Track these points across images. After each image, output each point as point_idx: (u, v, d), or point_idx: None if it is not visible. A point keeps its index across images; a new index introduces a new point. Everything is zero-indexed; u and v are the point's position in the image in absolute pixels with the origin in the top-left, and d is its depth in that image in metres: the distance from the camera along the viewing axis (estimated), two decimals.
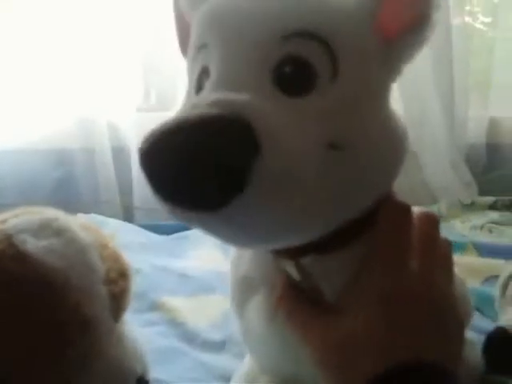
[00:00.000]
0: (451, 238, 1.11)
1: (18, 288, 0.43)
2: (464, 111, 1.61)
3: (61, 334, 0.44)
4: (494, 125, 1.70)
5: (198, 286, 0.97)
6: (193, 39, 0.43)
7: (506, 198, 1.45)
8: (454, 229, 1.29)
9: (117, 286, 0.51)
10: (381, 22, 0.40)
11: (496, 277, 0.93)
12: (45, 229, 0.48)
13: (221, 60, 0.38)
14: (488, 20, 1.83)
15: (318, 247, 0.43)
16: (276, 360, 0.49)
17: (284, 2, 0.38)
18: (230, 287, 0.52)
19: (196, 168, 0.33)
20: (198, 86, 0.41)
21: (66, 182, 1.49)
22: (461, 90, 1.59)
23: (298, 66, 0.37)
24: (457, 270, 0.94)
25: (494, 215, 1.37)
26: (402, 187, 1.52)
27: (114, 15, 1.43)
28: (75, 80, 1.45)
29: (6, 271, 0.43)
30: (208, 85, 0.38)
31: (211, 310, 0.88)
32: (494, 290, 0.81)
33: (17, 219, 0.48)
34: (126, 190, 1.51)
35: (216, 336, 0.80)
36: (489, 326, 0.75)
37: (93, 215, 1.31)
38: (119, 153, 1.50)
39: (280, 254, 0.45)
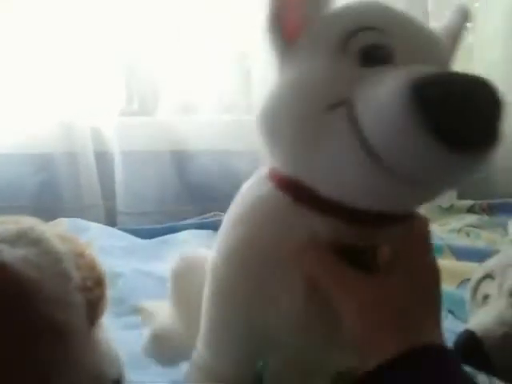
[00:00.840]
0: None
1: None
2: None
3: (35, 343, 0.45)
4: None
5: None
6: (349, 17, 0.49)
7: (484, 201, 1.47)
8: (433, 232, 1.31)
9: (93, 293, 0.52)
10: None
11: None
12: (21, 238, 0.49)
13: (414, 47, 0.47)
14: (468, 25, 1.86)
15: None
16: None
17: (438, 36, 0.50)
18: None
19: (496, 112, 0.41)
20: (368, 54, 0.47)
21: (48, 186, 1.49)
22: None
23: None
24: None
25: (472, 218, 1.40)
26: None
27: (96, 21, 1.44)
28: (58, 85, 1.47)
29: None
30: (401, 61, 0.46)
31: None
32: (466, 293, 0.83)
33: None
34: (108, 194, 1.53)
35: None
36: (461, 328, 0.77)
37: (75, 219, 1.33)
38: (102, 157, 1.52)
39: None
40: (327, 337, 0.52)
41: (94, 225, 1.31)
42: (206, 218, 1.44)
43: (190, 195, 1.57)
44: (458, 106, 0.39)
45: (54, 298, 0.48)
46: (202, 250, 0.67)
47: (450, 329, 0.76)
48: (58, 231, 0.54)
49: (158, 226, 1.39)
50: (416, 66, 0.44)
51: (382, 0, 0.51)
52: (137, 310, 0.91)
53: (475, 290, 0.76)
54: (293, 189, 0.50)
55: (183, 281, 0.60)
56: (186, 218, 1.46)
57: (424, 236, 0.53)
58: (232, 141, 1.56)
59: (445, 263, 1.05)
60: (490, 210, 1.46)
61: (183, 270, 0.62)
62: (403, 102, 0.40)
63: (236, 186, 0.56)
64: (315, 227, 0.49)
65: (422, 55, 0.47)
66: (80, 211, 1.47)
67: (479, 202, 1.48)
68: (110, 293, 0.95)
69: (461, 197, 1.57)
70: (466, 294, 0.82)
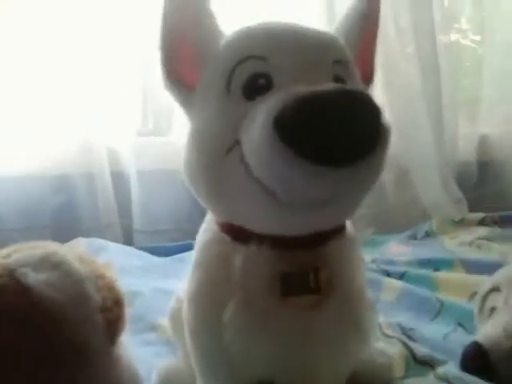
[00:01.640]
0: (438, 254, 1.16)
1: (19, 320, 0.47)
2: (454, 129, 1.66)
3: (58, 364, 0.48)
4: (484, 142, 1.74)
5: None
6: (229, 53, 0.53)
7: (496, 213, 1.48)
8: (443, 245, 1.33)
9: (112, 313, 0.55)
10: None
11: None
12: (44, 262, 0.52)
13: (293, 69, 0.50)
14: (477, 38, 1.88)
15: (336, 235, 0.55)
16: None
17: (328, 40, 0.54)
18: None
19: (365, 125, 0.44)
20: (248, 86, 0.50)
21: (67, 207, 1.52)
22: (450, 108, 1.63)
23: (341, 81, 0.53)
24: (446, 285, 0.99)
25: (483, 231, 1.41)
26: (395, 205, 1.57)
27: (113, 42, 1.48)
28: (75, 106, 1.50)
29: (8, 304, 0.47)
30: (281, 84, 0.49)
31: None
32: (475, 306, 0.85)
33: (18, 254, 0.52)
34: (125, 213, 1.56)
35: None
36: (468, 339, 0.79)
37: (93, 239, 1.36)
38: (118, 177, 1.55)
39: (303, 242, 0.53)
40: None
41: (111, 244, 1.34)
42: None
43: (204, 213, 1.59)
44: (315, 127, 0.43)
45: (76, 319, 0.51)
46: None
47: (461, 341, 0.79)
48: (79, 253, 0.57)
49: (174, 243, 1.42)
50: (293, 87, 0.46)
51: (268, 24, 0.54)
52: (154, 328, 0.93)
53: (483, 302, 0.78)
54: (229, 229, 0.55)
55: (180, 321, 0.63)
56: None
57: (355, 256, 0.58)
58: None
59: (455, 276, 1.07)
60: (502, 222, 1.47)
61: (179, 312, 0.65)
62: (267, 137, 0.44)
63: None
64: (254, 261, 0.52)
65: (305, 76, 0.49)
66: (98, 230, 1.50)
67: (490, 214, 1.49)
68: (129, 311, 0.99)
69: (472, 210, 1.58)
70: (475, 306, 0.84)
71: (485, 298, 0.78)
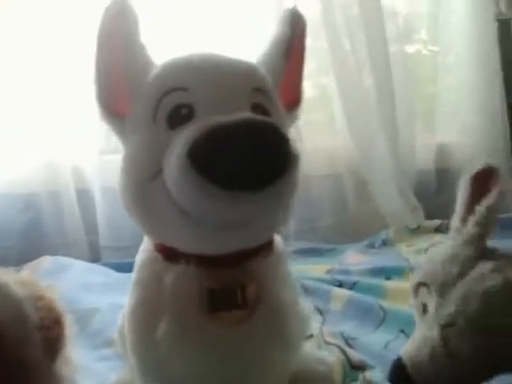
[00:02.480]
0: (392, 263, 1.19)
1: None
2: (411, 138, 1.70)
3: (2, 377, 0.51)
4: (442, 150, 1.78)
5: None
6: (156, 85, 0.57)
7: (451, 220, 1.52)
8: (399, 253, 1.36)
9: (51, 331, 0.57)
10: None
11: None
12: None
13: (212, 98, 0.54)
14: (436, 48, 1.93)
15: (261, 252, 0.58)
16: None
17: (246, 69, 0.58)
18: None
19: (271, 152, 0.48)
20: (172, 117, 0.54)
21: (33, 226, 1.55)
22: (407, 118, 1.68)
23: (261, 108, 0.56)
24: (394, 293, 1.02)
25: (439, 238, 1.44)
26: (356, 215, 1.60)
27: (74, 61, 1.50)
28: (39, 125, 1.53)
29: None
30: (201, 113, 0.53)
31: None
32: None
33: None
34: (91, 230, 1.58)
35: None
36: None
37: (58, 257, 1.38)
38: (83, 194, 1.57)
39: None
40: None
41: (76, 262, 1.36)
42: None
43: None
44: (224, 155, 0.47)
45: (16, 338, 0.54)
46: None
47: (401, 348, 0.82)
48: (20, 277, 0.60)
49: None
50: (210, 118, 0.50)
51: (191, 56, 0.58)
52: (111, 343, 0.96)
53: (415, 294, 0.77)
54: (162, 249, 0.59)
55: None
56: None
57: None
58: None
59: (404, 285, 1.10)
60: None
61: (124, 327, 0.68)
62: (181, 165, 0.48)
63: None
64: (182, 279, 0.57)
65: (223, 104, 0.54)
66: (65, 247, 1.53)
67: (446, 221, 1.53)
68: (87, 327, 1.01)
69: (432, 217, 1.62)
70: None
71: (416, 290, 0.76)
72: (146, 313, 0.60)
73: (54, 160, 1.54)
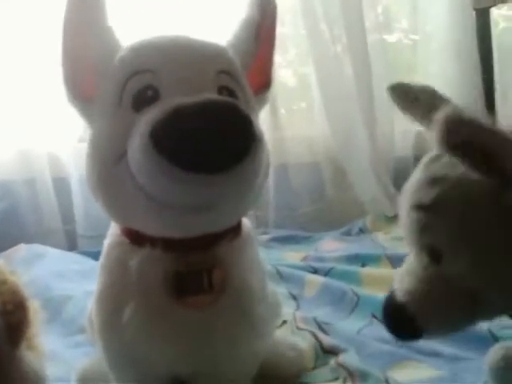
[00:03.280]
0: (367, 250, 1.19)
1: None
2: (390, 126, 1.70)
3: None
4: (420, 138, 1.79)
5: None
6: (121, 67, 0.56)
7: None
8: (375, 241, 1.36)
9: (14, 316, 0.57)
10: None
11: None
12: None
13: (176, 80, 0.53)
14: (416, 37, 1.93)
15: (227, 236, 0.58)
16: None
17: (212, 51, 0.58)
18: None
19: (233, 133, 0.48)
20: (138, 99, 0.54)
21: (9, 213, 1.53)
22: (385, 106, 1.67)
23: (227, 90, 0.56)
24: (369, 279, 1.03)
25: None
26: (334, 203, 1.60)
27: (53, 46, 1.48)
28: (15, 112, 1.51)
29: None
30: (166, 95, 0.52)
31: None
32: None
33: None
34: (68, 218, 1.57)
35: None
36: (381, 331, 0.83)
37: (33, 245, 1.37)
38: (60, 182, 1.56)
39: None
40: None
41: (51, 250, 1.35)
42: None
43: None
44: (185, 137, 0.47)
45: None
46: None
47: (373, 335, 0.83)
48: None
49: None
50: (173, 99, 0.50)
51: (158, 38, 0.58)
52: (84, 330, 0.95)
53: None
54: (127, 233, 0.59)
55: None
56: None
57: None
58: None
59: (379, 271, 1.11)
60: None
61: None
62: (143, 146, 0.48)
63: None
64: (148, 262, 0.56)
65: (188, 86, 0.53)
66: (41, 236, 1.51)
67: None
68: (61, 314, 1.01)
69: None
70: None
71: None
72: (112, 297, 0.59)
73: (29, 147, 1.53)
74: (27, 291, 0.62)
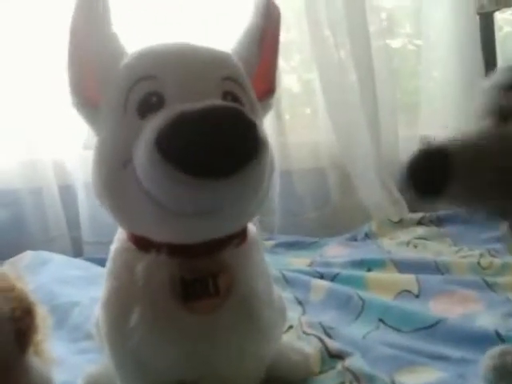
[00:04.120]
0: (373, 255, 1.20)
1: None
2: (394, 131, 1.70)
3: None
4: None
5: None
6: (126, 74, 0.56)
7: (433, 213, 1.53)
8: (381, 246, 1.37)
9: (22, 322, 0.57)
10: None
11: (407, 291, 1.01)
12: None
13: (181, 86, 0.54)
14: (420, 42, 1.94)
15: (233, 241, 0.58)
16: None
17: (217, 58, 0.58)
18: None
19: (238, 139, 0.48)
20: (142, 105, 0.54)
21: (15, 222, 1.53)
22: (389, 111, 1.68)
23: (232, 96, 0.56)
24: (375, 284, 1.03)
25: (421, 230, 1.45)
26: (339, 208, 1.61)
27: (57, 57, 1.49)
28: (20, 120, 1.51)
29: None
30: (171, 102, 0.53)
31: None
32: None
33: None
34: (74, 225, 1.57)
35: None
36: (391, 336, 0.84)
37: (39, 252, 1.37)
38: (66, 190, 1.56)
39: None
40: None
41: (56, 256, 1.36)
42: None
43: None
44: (190, 142, 0.47)
45: None
46: None
47: (379, 339, 0.83)
48: None
49: None
50: (179, 105, 0.50)
51: (162, 45, 0.58)
52: (91, 336, 0.96)
53: None
54: (134, 239, 0.59)
55: None
56: None
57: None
58: None
59: (385, 276, 1.11)
60: (439, 221, 1.51)
61: None
62: (149, 152, 0.48)
63: None
64: (154, 268, 0.56)
65: (192, 92, 0.54)
66: (47, 243, 1.51)
67: (428, 214, 1.54)
68: (67, 321, 1.01)
69: (415, 210, 1.63)
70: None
71: None
72: (119, 302, 0.60)
73: (35, 155, 1.53)
74: (34, 297, 0.62)
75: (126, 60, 0.58)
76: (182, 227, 0.53)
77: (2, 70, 1.48)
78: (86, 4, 0.57)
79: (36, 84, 1.50)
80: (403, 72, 1.90)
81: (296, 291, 1.04)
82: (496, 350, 0.66)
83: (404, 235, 1.43)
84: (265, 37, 0.64)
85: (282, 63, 0.59)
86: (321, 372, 0.75)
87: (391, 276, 1.11)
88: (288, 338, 0.80)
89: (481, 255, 1.18)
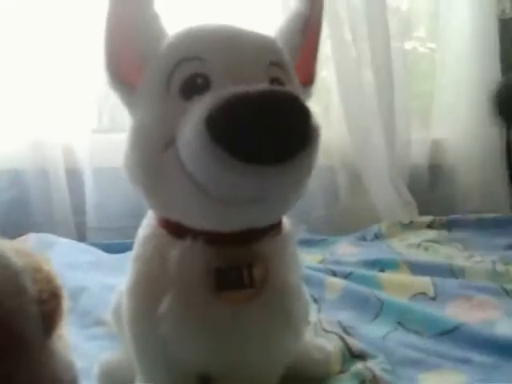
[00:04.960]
0: (385, 255, 1.19)
1: None
2: (407, 133, 1.69)
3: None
4: (436, 146, 1.78)
5: None
6: (169, 55, 0.54)
7: (444, 217, 1.52)
8: (391, 247, 1.36)
9: (48, 305, 0.55)
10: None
11: (422, 294, 1.00)
12: None
13: (229, 69, 0.52)
14: (433, 45, 1.92)
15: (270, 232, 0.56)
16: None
17: (264, 42, 0.56)
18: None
19: (293, 125, 0.46)
20: (187, 87, 0.52)
21: (19, 203, 1.52)
22: (403, 114, 1.67)
23: (278, 82, 0.55)
24: (389, 285, 1.02)
25: (431, 234, 1.44)
26: (349, 207, 1.60)
27: (67, 40, 1.47)
28: (29, 102, 1.49)
29: None
30: (217, 84, 0.51)
31: None
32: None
33: None
34: (79, 210, 1.55)
35: None
36: (410, 338, 0.82)
37: (44, 234, 1.35)
38: (73, 174, 1.54)
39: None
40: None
41: (62, 240, 1.34)
42: None
43: None
44: (244, 126, 0.45)
45: (12, 309, 0.51)
46: None
47: (399, 340, 0.82)
48: (16, 247, 0.58)
49: (128, 240, 1.41)
50: (228, 88, 0.48)
51: (207, 26, 0.56)
52: (101, 322, 0.94)
53: None
54: (167, 225, 0.57)
55: (121, 315, 0.64)
56: None
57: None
58: None
59: (399, 277, 1.10)
60: (449, 225, 1.50)
61: (120, 305, 0.66)
62: (198, 134, 0.46)
63: None
64: (188, 256, 0.54)
65: (241, 75, 0.52)
66: (51, 227, 1.49)
67: (438, 217, 1.53)
68: (76, 306, 0.99)
69: (424, 213, 1.62)
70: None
71: None
72: (148, 288, 0.58)
73: (43, 137, 1.51)
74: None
75: (169, 40, 0.56)
76: (224, 214, 0.51)
77: (15, 50, 1.45)
78: None
79: (47, 67, 1.48)
80: (419, 74, 1.88)
81: (310, 288, 1.02)
82: None
83: (414, 237, 1.41)
84: (308, 25, 0.63)
85: None
86: (341, 371, 0.73)
87: (406, 277, 1.09)
88: (308, 335, 0.78)
89: (493, 262, 1.17)
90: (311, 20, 0.63)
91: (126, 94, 0.57)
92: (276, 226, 0.58)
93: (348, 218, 1.63)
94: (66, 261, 1.19)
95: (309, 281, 1.05)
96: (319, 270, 1.12)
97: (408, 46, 1.90)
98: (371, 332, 0.86)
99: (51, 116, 1.52)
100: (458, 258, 1.25)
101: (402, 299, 0.99)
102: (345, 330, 0.83)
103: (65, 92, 1.51)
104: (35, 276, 0.55)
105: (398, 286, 1.04)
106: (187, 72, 0.52)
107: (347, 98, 1.60)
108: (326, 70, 1.65)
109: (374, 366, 0.71)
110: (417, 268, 1.15)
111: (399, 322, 0.89)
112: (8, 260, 0.53)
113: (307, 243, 1.42)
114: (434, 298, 0.99)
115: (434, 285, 1.02)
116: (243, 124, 0.45)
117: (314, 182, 1.65)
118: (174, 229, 0.56)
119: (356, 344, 0.77)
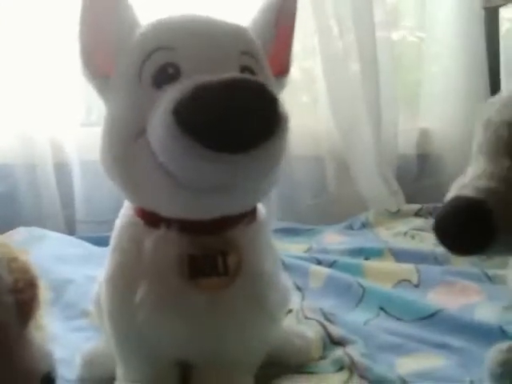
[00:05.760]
0: (370, 244, 1.19)
1: None
2: (394, 123, 1.69)
3: None
4: (424, 136, 1.79)
5: None
6: (141, 44, 0.55)
7: (431, 205, 1.52)
8: (377, 235, 1.36)
9: (25, 294, 0.55)
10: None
11: (406, 281, 1.00)
12: None
13: (199, 58, 0.52)
14: (422, 35, 1.92)
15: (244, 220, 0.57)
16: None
17: (235, 31, 0.57)
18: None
19: (259, 113, 0.47)
20: (158, 76, 0.52)
21: (8, 197, 1.52)
22: (390, 103, 1.67)
23: (249, 71, 0.55)
24: (373, 272, 1.03)
25: (418, 222, 1.44)
26: (336, 197, 1.60)
27: (55, 32, 1.47)
28: (17, 97, 1.50)
29: None
30: (188, 73, 0.51)
31: None
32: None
33: None
34: (68, 204, 1.56)
35: None
36: (392, 324, 0.83)
37: (33, 228, 1.36)
38: (61, 168, 1.55)
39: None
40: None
41: (51, 233, 1.34)
42: None
43: None
44: (209, 115, 0.45)
45: None
46: None
47: (380, 326, 0.83)
48: None
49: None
50: (197, 77, 0.49)
51: (179, 16, 0.57)
52: (86, 314, 0.94)
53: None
54: (142, 214, 0.58)
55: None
56: None
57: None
58: None
59: (383, 265, 1.11)
60: (436, 213, 1.50)
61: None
62: (166, 123, 0.47)
63: None
64: (162, 244, 0.55)
65: (210, 64, 0.52)
66: (40, 220, 1.50)
67: (426, 205, 1.53)
68: (61, 298, 1.00)
69: (412, 201, 1.62)
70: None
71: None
72: (125, 278, 0.58)
73: (32, 132, 1.51)
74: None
75: (141, 29, 0.56)
76: (195, 202, 0.52)
77: (2, 46, 1.46)
78: None
79: (34, 60, 1.48)
80: (405, 64, 1.88)
81: (294, 277, 1.03)
82: (504, 344, 0.66)
83: (401, 226, 1.42)
84: (281, 17, 0.63)
85: None
86: (322, 357, 0.74)
87: (390, 265, 1.10)
88: (288, 322, 0.79)
89: None
90: (284, 12, 0.64)
91: (100, 84, 0.58)
92: (250, 214, 0.59)
93: (336, 207, 1.64)
94: (55, 254, 1.20)
95: (293, 269, 1.06)
96: (304, 259, 1.13)
97: (396, 36, 1.90)
98: (353, 318, 0.87)
99: (39, 110, 1.52)
100: None
101: (385, 286, 0.99)
102: (326, 317, 0.84)
103: (53, 86, 1.51)
104: (11, 265, 0.56)
105: (382, 273, 1.05)
106: (159, 61, 0.53)
107: (334, 88, 1.61)
108: (313, 61, 1.66)
109: (353, 351, 0.72)
110: (401, 255, 1.16)
111: (381, 308, 0.89)
112: None
113: (294, 232, 1.43)
114: (417, 285, 1.00)
115: (418, 272, 1.03)
116: (210, 112, 0.45)
117: (302, 172, 1.67)
118: (148, 218, 0.57)
119: (336, 331, 0.78)
